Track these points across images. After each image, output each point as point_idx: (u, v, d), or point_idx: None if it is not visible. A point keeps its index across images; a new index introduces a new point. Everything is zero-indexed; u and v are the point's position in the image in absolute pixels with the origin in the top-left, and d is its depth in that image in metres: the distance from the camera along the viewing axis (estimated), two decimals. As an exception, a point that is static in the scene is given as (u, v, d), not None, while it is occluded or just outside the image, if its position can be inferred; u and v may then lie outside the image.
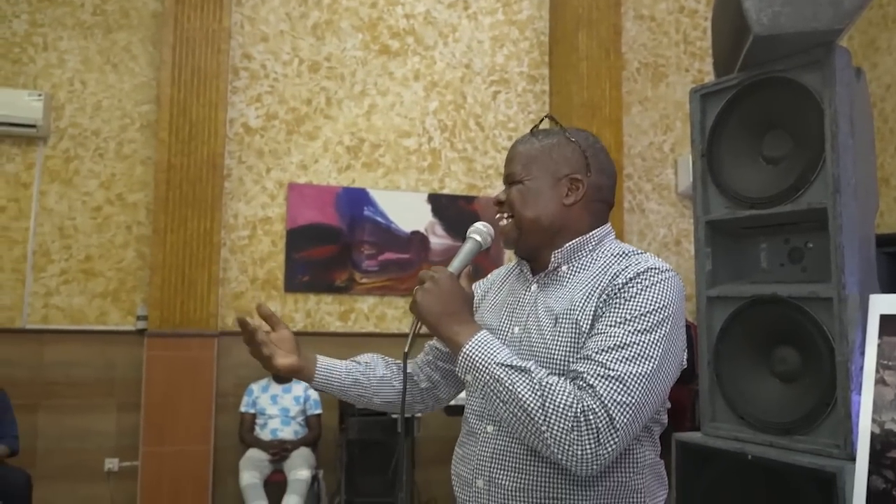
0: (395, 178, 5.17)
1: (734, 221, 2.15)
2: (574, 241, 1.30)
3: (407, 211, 5.13)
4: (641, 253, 1.29)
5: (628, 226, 5.46)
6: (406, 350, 1.25)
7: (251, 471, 4.06)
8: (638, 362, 1.11)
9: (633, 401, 1.09)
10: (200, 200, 4.49)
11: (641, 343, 1.13)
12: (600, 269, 1.26)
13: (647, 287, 1.18)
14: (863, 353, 1.85)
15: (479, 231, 1.36)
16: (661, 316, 1.16)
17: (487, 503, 1.24)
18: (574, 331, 1.21)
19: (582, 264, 1.30)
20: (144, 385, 4.34)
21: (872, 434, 1.78)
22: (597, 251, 1.31)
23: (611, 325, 1.16)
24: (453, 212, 5.24)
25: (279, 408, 4.43)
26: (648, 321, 1.15)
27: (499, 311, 1.37)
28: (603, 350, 1.13)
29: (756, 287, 2.09)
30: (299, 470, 4.09)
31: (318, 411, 4.51)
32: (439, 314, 1.20)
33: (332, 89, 5.10)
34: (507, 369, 1.13)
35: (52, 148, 4.59)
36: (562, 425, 1.08)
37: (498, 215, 1.37)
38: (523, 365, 1.14)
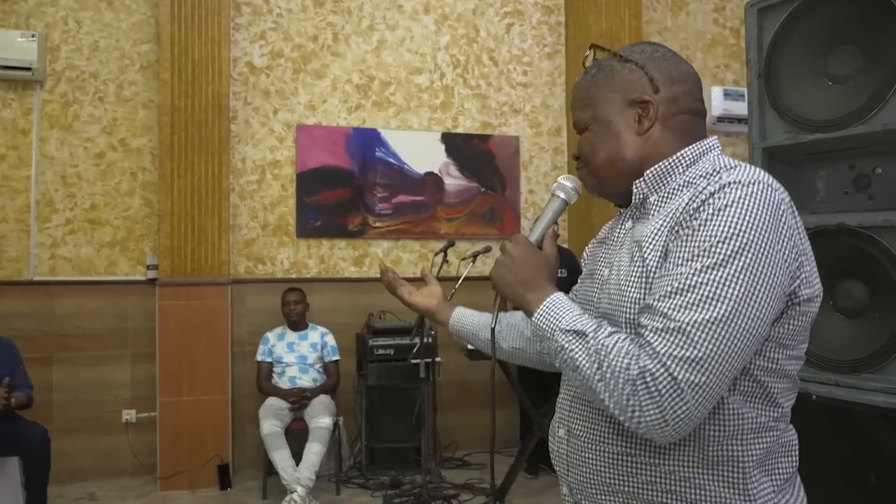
0: (406, 118, 4.97)
1: (795, 147, 1.99)
2: (657, 166, 1.12)
3: (420, 151, 4.96)
4: (735, 167, 1.04)
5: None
6: (493, 325, 1.22)
7: (272, 419, 4.00)
8: (704, 307, 0.92)
9: (702, 354, 0.91)
10: (207, 144, 4.31)
11: (710, 282, 0.93)
12: (688, 194, 1.04)
13: (720, 209, 0.96)
14: (942, 285, 1.72)
15: (563, 187, 1.23)
16: (738, 243, 0.93)
17: (566, 454, 1.15)
18: (642, 269, 1.03)
19: (670, 191, 1.10)
20: (158, 335, 4.25)
21: (954, 370, 1.67)
22: (690, 172, 1.10)
23: (676, 265, 0.97)
24: (468, 151, 5.06)
25: (296, 355, 4.35)
26: (719, 253, 0.93)
27: (595, 256, 1.26)
28: (664, 296, 0.96)
29: (818, 217, 1.95)
30: (321, 417, 4.03)
31: (336, 357, 4.43)
32: (513, 285, 1.13)
33: (339, 24, 4.86)
34: (567, 335, 1.03)
35: (50, 92, 4.39)
36: (621, 391, 0.95)
37: (578, 168, 1.22)
38: (583, 328, 1.01)
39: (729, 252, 0.93)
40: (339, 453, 4.28)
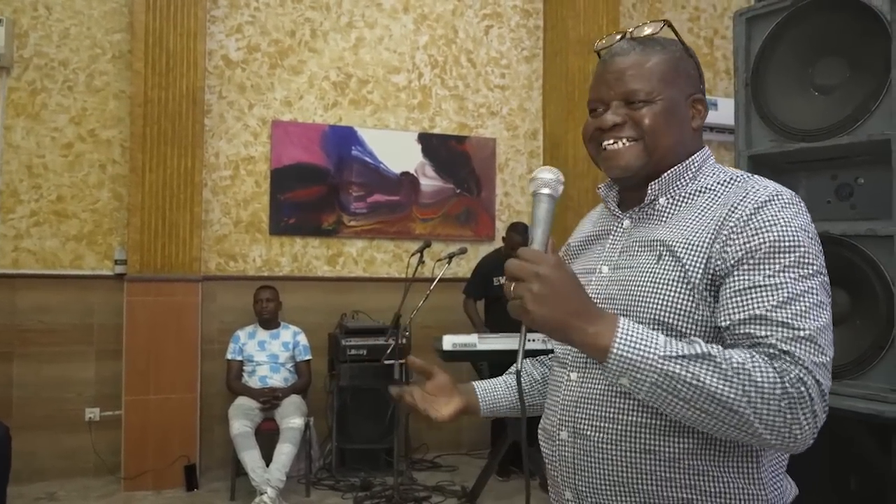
0: (383, 117, 4.94)
1: (780, 156, 2.02)
2: (674, 168, 1.12)
3: (396, 151, 4.93)
4: (751, 176, 1.09)
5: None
6: (519, 368, 1.01)
7: (242, 419, 3.93)
8: (817, 314, 0.95)
9: (828, 358, 0.95)
10: (180, 137, 4.22)
11: (811, 290, 0.96)
12: (709, 200, 1.08)
13: (787, 220, 1.00)
14: (922, 294, 1.76)
15: (546, 182, 1.05)
16: (814, 252, 0.99)
17: (572, 457, 1.11)
18: (679, 271, 1.03)
19: (683, 195, 1.12)
20: (126, 332, 4.15)
21: (934, 378, 1.70)
22: (698, 179, 1.13)
23: (768, 274, 0.97)
24: (444, 152, 5.04)
25: (267, 354, 4.28)
26: (807, 262, 0.97)
27: (586, 254, 1.22)
28: (777, 306, 0.96)
29: (803, 225, 1.98)
30: (292, 418, 3.97)
31: (308, 357, 4.38)
32: (564, 320, 0.96)
33: (317, 20, 4.81)
34: (679, 361, 0.93)
35: (17, 79, 4.25)
36: (773, 407, 0.91)
37: (610, 140, 1.12)
38: (696, 350, 0.94)
39: (811, 260, 0.99)
40: (310, 454, 4.22)
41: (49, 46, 4.31)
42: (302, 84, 4.77)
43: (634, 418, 1.05)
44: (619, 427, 1.06)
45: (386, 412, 4.32)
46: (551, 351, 1.28)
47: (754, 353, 0.94)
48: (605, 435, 1.07)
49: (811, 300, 0.95)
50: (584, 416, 1.09)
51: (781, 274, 0.97)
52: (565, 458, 1.12)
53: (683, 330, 1.02)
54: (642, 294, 1.06)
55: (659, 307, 1.03)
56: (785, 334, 0.94)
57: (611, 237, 1.17)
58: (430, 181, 5.01)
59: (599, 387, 1.09)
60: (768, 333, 0.95)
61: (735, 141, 2.10)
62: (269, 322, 4.33)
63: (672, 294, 1.03)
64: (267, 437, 3.99)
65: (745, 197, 1.03)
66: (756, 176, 1.09)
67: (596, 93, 1.15)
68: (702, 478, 1.03)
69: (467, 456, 4.81)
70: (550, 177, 1.05)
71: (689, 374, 0.92)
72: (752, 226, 1.00)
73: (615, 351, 0.94)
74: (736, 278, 0.99)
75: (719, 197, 1.08)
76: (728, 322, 0.98)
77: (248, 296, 4.38)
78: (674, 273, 1.04)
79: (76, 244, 4.35)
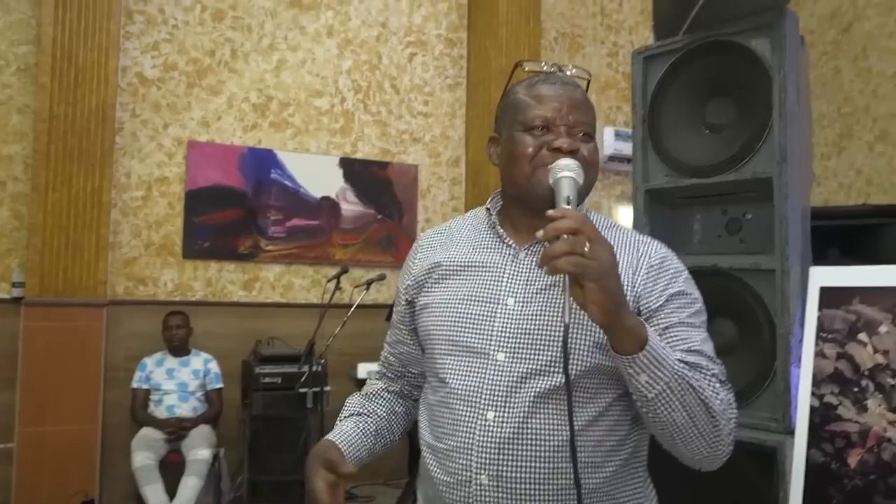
0: (304, 140, 4.89)
1: (674, 191, 2.08)
2: (582, 204, 1.18)
3: (317, 175, 4.87)
4: (617, 224, 1.24)
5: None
6: (567, 321, 0.93)
7: (145, 451, 3.76)
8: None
9: None
10: (88, 155, 4.06)
11: (707, 335, 1.15)
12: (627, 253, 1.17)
13: (685, 271, 1.19)
14: (802, 326, 1.83)
15: (570, 167, 1.07)
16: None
17: (492, 501, 1.06)
18: None
19: None
20: (21, 359, 3.92)
21: (811, 407, 1.76)
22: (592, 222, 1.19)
23: (689, 317, 1.13)
24: (366, 178, 5.02)
25: (176, 382, 4.12)
26: (702, 307, 1.18)
27: (475, 279, 1.18)
28: (703, 342, 1.11)
29: (695, 259, 2.03)
30: (199, 449, 3.82)
31: (220, 385, 4.24)
32: (619, 294, 0.95)
33: (238, 41, 4.74)
34: (685, 367, 1.03)
35: None
36: (733, 423, 1.08)
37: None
38: (690, 360, 1.06)
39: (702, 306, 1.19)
40: (219, 487, 4.07)
41: (-53, 57, 4.09)
42: (220, 105, 4.68)
43: (561, 455, 1.06)
44: (547, 466, 1.06)
45: (298, 442, 4.20)
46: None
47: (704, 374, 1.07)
48: (531, 475, 1.06)
49: (711, 344, 1.14)
50: (508, 457, 1.06)
51: (696, 316, 1.14)
52: (490, 437, 1.07)
53: (607, 363, 1.08)
54: (550, 328, 1.09)
55: (583, 339, 1.09)
56: (718, 367, 1.10)
57: (507, 269, 1.16)
58: (351, 206, 4.97)
59: (519, 426, 1.07)
60: (709, 365, 1.08)
61: (633, 175, 2.16)
62: (179, 349, 4.18)
63: (594, 326, 1.05)
64: (173, 470, 3.82)
65: (643, 245, 1.18)
66: (618, 224, 1.25)
67: (545, 111, 1.14)
68: (621, 496, 1.13)
69: (385, 486, 4.73)
70: (573, 163, 1.08)
71: (694, 380, 1.02)
72: (664, 274, 1.14)
73: (651, 344, 0.97)
74: (667, 315, 1.10)
75: (616, 238, 1.17)
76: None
77: (158, 321, 4.22)
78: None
79: (-30, 265, 4.10)
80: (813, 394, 1.76)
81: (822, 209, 2.97)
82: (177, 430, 3.90)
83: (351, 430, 1.24)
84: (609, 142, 5.44)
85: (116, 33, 4.21)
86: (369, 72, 5.08)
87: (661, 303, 1.10)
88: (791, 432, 1.75)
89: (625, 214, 5.50)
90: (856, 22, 5.06)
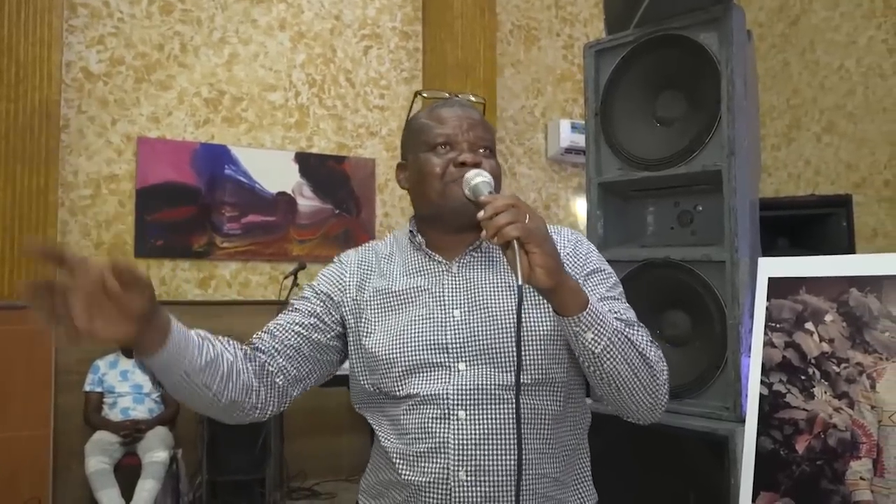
0: (259, 135, 4.81)
1: (627, 183, 2.11)
2: None
3: (272, 170, 4.80)
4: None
5: (502, 190, 5.44)
6: (521, 283, 0.98)
7: (99, 456, 3.67)
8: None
9: None
10: (32, 154, 3.93)
11: (628, 304, 1.26)
12: None
13: (593, 251, 1.29)
14: (751, 316, 1.86)
15: (480, 173, 1.16)
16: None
17: (472, 497, 1.11)
18: (547, 305, 1.12)
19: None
20: (-34, 365, 3.79)
21: (761, 395, 1.80)
22: None
23: (609, 287, 1.23)
24: (323, 172, 4.96)
25: (130, 384, 4.03)
26: (618, 282, 1.29)
27: (418, 301, 1.22)
28: (626, 310, 1.21)
29: (648, 251, 2.06)
30: (155, 451, 3.75)
31: (176, 386, 4.15)
32: (559, 259, 1.02)
33: (188, 35, 4.63)
34: (621, 324, 1.12)
35: None
36: (664, 372, 1.16)
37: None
38: (627, 318, 1.17)
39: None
40: (177, 489, 3.99)
41: None
42: (171, 100, 4.57)
43: (531, 446, 1.14)
44: (513, 406, 1.11)
45: (258, 441, 4.16)
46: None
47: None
48: (507, 467, 1.11)
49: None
50: (485, 452, 1.11)
51: (614, 289, 1.24)
52: (465, 500, 1.11)
53: (558, 352, 1.17)
54: (506, 331, 1.16)
55: (543, 337, 1.16)
56: (644, 329, 1.19)
57: (446, 285, 1.22)
58: (307, 201, 4.91)
59: (491, 422, 1.13)
60: (638, 330, 1.16)
61: (586, 169, 2.17)
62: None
63: (553, 322, 1.15)
64: (129, 473, 3.74)
65: (555, 234, 1.22)
66: None
67: (446, 129, 1.22)
68: (572, 490, 1.20)
69: (346, 482, 4.71)
70: (479, 170, 1.16)
71: (632, 334, 1.11)
72: (579, 257, 1.24)
73: (592, 302, 1.06)
74: (589, 292, 1.12)
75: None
76: None
77: (110, 322, 4.11)
78: (545, 307, 1.15)
79: None
80: (762, 382, 1.80)
81: (771, 200, 3.04)
82: (132, 432, 3.82)
83: (191, 335, 1.06)
84: (566, 134, 5.47)
85: (59, 27, 4.08)
86: (324, 65, 5.02)
87: (581, 282, 1.17)
88: (742, 420, 1.79)
89: (581, 206, 5.55)
90: (803, 16, 5.17)
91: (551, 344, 1.17)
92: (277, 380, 1.21)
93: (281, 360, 1.22)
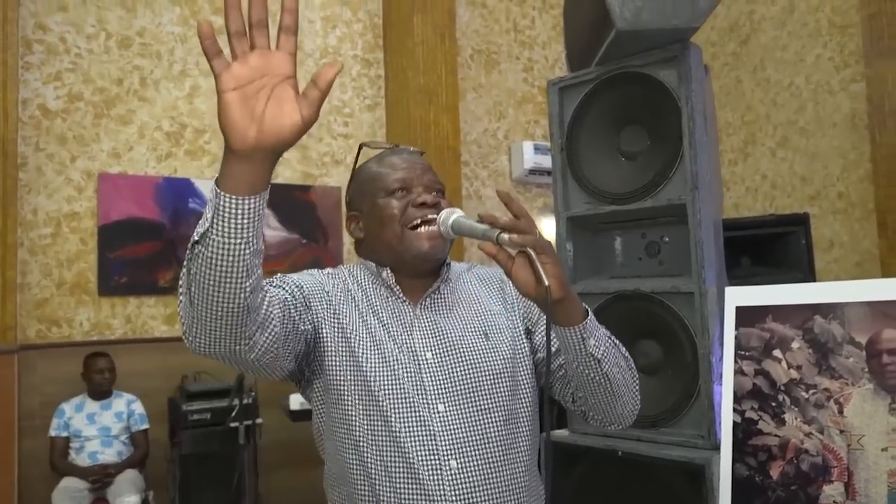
0: (223, 167, 4.76)
1: (594, 217, 2.14)
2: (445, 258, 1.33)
3: (238, 202, 4.75)
4: (470, 265, 1.41)
5: (465, 213, 5.47)
6: (547, 283, 1.02)
7: (67, 503, 3.57)
8: None
9: None
10: (-11, 195, 3.84)
11: None
12: (465, 283, 1.34)
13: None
14: (721, 345, 1.91)
15: (452, 210, 1.22)
16: None
17: (462, 483, 1.14)
18: (511, 341, 1.26)
19: (449, 281, 1.32)
20: (-76, 415, 3.67)
21: (734, 423, 1.84)
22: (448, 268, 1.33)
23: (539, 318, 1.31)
24: (288, 203, 4.94)
25: (98, 427, 3.93)
26: None
27: (386, 335, 1.23)
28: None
29: (619, 282, 2.10)
30: (126, 496, 3.66)
31: (145, 426, 4.07)
32: (564, 274, 1.10)
33: (148, 68, 4.58)
34: (606, 329, 1.20)
35: None
36: (637, 381, 1.26)
37: (432, 217, 1.24)
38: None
39: None
40: (150, 532, 3.91)
41: None
42: (131, 135, 4.51)
43: (502, 435, 1.19)
44: (497, 446, 1.18)
45: (232, 479, 4.09)
46: None
47: None
48: (489, 455, 1.17)
49: None
50: (470, 442, 1.16)
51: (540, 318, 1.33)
52: (457, 487, 1.14)
53: (524, 381, 1.25)
54: (498, 366, 1.22)
55: (514, 371, 1.23)
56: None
57: (414, 325, 1.24)
58: (274, 232, 4.88)
59: (467, 414, 1.18)
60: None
61: (554, 203, 2.21)
62: (102, 393, 4.00)
63: (514, 359, 1.24)
64: (99, 520, 3.65)
65: (496, 273, 1.34)
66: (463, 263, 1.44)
67: (402, 174, 1.27)
68: (530, 477, 1.23)
69: (323, 514, 4.65)
70: (460, 213, 1.21)
71: (620, 344, 1.21)
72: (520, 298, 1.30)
73: (591, 315, 1.14)
74: (540, 325, 1.27)
75: (470, 279, 1.35)
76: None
77: (74, 364, 4.02)
78: (507, 343, 1.24)
79: None
80: (735, 410, 1.84)
81: (733, 221, 3.12)
82: (101, 477, 3.73)
83: None
84: (529, 155, 5.54)
85: (14, 64, 4.01)
86: (286, 95, 5.01)
87: (537, 316, 1.30)
88: (717, 448, 1.83)
89: (547, 226, 5.61)
90: (753, 35, 5.34)
91: (508, 378, 1.24)
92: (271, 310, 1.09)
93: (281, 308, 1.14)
